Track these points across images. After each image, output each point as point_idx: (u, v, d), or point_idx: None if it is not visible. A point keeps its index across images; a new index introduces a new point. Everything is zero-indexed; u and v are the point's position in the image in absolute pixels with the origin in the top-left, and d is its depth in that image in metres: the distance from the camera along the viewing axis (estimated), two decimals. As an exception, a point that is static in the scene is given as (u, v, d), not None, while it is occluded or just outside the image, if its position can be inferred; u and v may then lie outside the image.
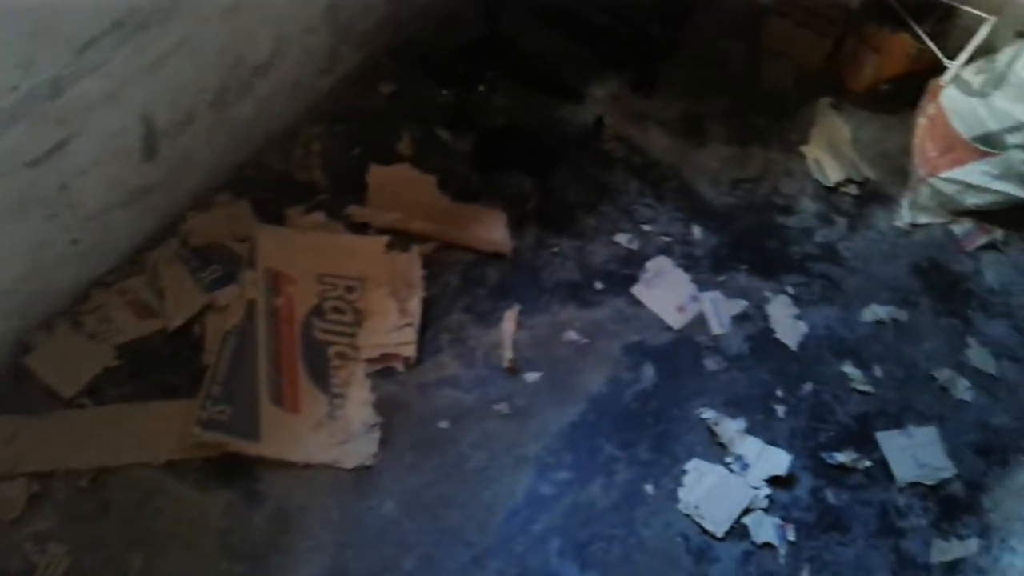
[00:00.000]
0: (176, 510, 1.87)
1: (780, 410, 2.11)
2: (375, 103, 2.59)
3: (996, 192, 2.38)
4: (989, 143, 2.32)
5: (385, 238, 2.24)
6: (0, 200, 1.76)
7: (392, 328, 2.12)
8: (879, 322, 2.28)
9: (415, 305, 2.16)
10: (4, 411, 1.93)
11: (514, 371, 2.12)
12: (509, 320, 2.19)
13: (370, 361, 2.09)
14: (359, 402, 2.03)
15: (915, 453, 2.05)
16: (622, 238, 2.39)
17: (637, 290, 2.29)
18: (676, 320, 2.24)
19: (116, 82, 1.86)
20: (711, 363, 2.18)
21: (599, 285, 2.30)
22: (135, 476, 1.90)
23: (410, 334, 2.12)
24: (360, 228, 2.30)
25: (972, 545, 1.93)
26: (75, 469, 1.89)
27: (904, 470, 2.02)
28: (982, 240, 2.45)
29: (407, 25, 2.73)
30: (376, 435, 1.99)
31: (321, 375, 2.05)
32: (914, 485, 2.01)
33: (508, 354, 2.13)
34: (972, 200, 2.43)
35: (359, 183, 2.38)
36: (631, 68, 2.76)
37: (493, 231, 2.32)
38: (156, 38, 1.89)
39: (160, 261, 2.17)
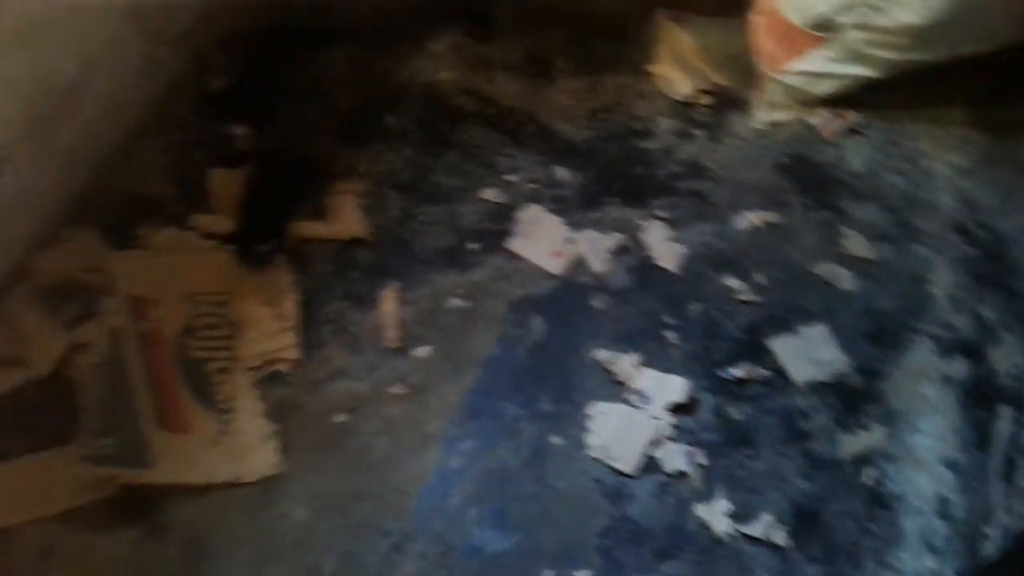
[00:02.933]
0: (80, 563, 1.79)
1: (671, 336, 2.11)
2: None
3: (842, 76, 2.40)
4: (824, 27, 2.31)
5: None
6: None
7: (271, 334, 2.05)
8: (754, 228, 2.29)
9: (290, 308, 2.10)
10: None
11: (403, 350, 2.08)
12: (388, 299, 2.14)
13: (254, 370, 2.02)
14: (250, 413, 1.96)
15: (809, 353, 2.07)
16: (489, 193, 2.34)
17: (512, 243, 2.25)
18: (556, 266, 2.22)
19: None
20: (597, 302, 2.17)
21: (474, 246, 2.26)
22: (29, 535, 1.80)
23: (290, 338, 2.06)
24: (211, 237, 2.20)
25: (878, 433, 1.97)
26: (-38, 542, 1.79)
27: (800, 372, 2.04)
28: (840, 126, 2.48)
29: (234, 15, 2.59)
30: (274, 444, 1.93)
31: (205, 393, 1.97)
32: (812, 385, 2.04)
33: (393, 333, 2.08)
34: (821, 88, 2.44)
35: (205, 197, 2.29)
36: (465, 16, 2.69)
37: (347, 218, 2.25)
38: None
39: (14, 310, 2.05)
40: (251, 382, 2.01)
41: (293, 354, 2.04)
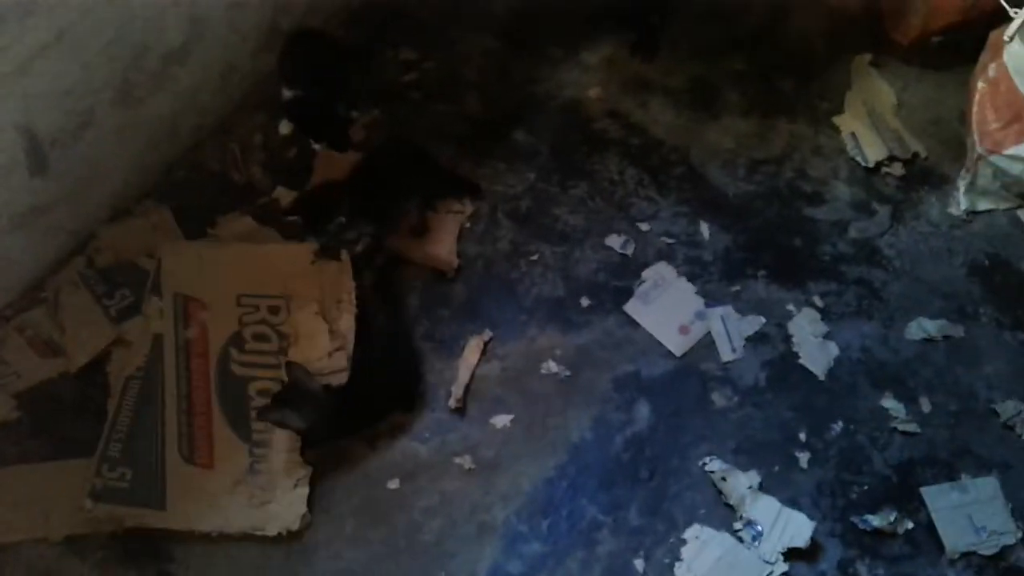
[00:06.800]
0: (74, 598, 1.59)
1: (803, 459, 1.74)
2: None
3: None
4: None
5: (312, 245, 1.89)
6: None
7: (321, 354, 1.78)
8: (928, 340, 1.89)
9: (346, 325, 1.81)
10: None
11: (461, 412, 1.79)
12: (473, 349, 1.85)
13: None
14: (284, 450, 1.70)
15: (971, 513, 1.67)
16: (615, 241, 2.01)
17: (631, 307, 1.92)
18: (678, 344, 1.87)
19: (-29, 94, 1.53)
20: (719, 398, 1.81)
21: (586, 301, 1.93)
22: (31, 555, 1.63)
23: (341, 360, 1.77)
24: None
25: (1041, 636, 1.55)
26: (-39, 548, 1.61)
27: (956, 536, 1.65)
28: (1060, 230, 2.02)
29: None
30: (304, 491, 1.67)
31: (240, 419, 1.73)
32: (968, 555, 1.63)
33: (457, 391, 1.79)
34: (1048, 182, 1.99)
35: (307, 181, 2.04)
36: (630, 26, 2.33)
37: (441, 244, 1.96)
38: (18, 37, 1.54)
39: (63, 287, 1.86)
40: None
41: (340, 381, 1.75)
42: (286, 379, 1.67)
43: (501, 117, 2.20)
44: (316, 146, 2.06)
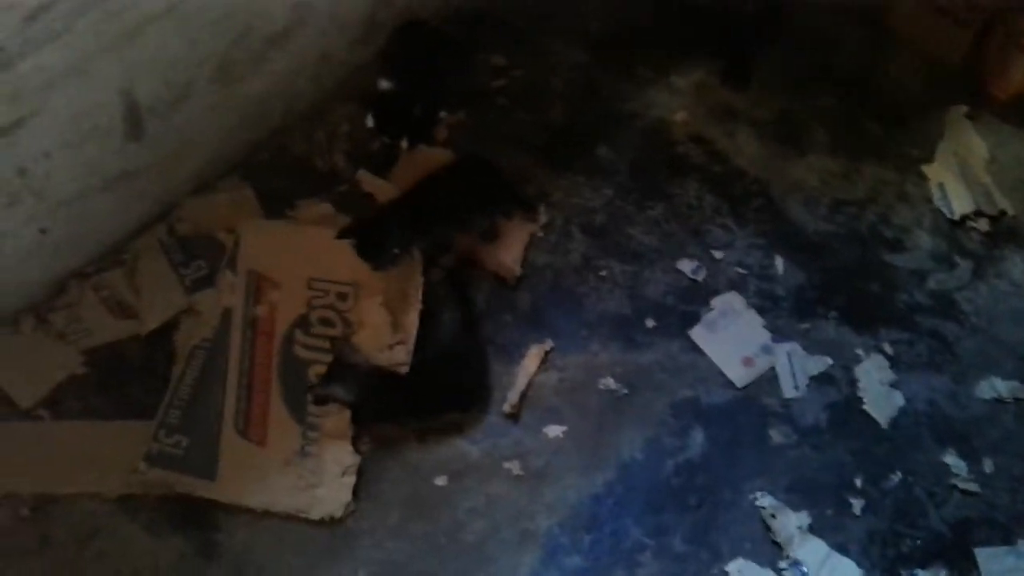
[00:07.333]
0: (122, 555, 1.61)
1: (857, 505, 1.71)
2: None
3: None
4: None
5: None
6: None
7: (382, 345, 1.79)
8: (998, 400, 1.84)
9: (411, 320, 1.81)
10: (-48, 418, 1.71)
11: (515, 418, 1.79)
12: (533, 357, 1.84)
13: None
14: (336, 436, 1.71)
15: (1025, 580, 1.62)
16: (686, 265, 1.99)
17: (696, 333, 1.90)
18: (740, 375, 1.85)
19: (81, 54, 1.57)
20: (777, 435, 1.79)
21: (651, 323, 1.92)
22: (83, 509, 1.65)
23: (402, 354, 1.78)
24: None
25: None
26: (18, 493, 1.65)
27: (1008, 603, 1.59)
28: None
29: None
30: (351, 480, 1.68)
31: (298, 401, 1.74)
32: (1019, 625, 1.58)
33: (513, 397, 1.79)
34: None
35: (389, 174, 2.07)
36: (722, 53, 2.32)
37: (507, 251, 1.97)
38: (130, 5, 1.59)
39: (142, 252, 1.91)
40: (348, 399, 1.77)
41: (402, 372, 1.77)
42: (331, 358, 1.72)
43: (585, 131, 2.20)
44: (402, 143, 2.09)
